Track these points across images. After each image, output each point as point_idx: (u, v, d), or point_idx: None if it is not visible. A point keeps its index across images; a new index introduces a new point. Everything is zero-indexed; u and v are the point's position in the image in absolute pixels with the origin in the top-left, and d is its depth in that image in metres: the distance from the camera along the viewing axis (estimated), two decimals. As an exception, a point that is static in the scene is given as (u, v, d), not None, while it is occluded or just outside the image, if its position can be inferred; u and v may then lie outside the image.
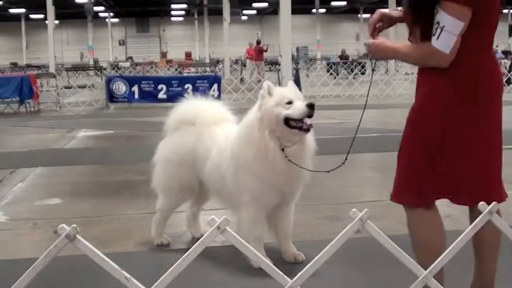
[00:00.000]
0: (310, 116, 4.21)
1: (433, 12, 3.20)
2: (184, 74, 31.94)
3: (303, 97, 4.42)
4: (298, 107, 4.22)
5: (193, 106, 5.12)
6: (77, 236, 2.24)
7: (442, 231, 3.48)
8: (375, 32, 3.63)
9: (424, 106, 3.37)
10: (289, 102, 4.25)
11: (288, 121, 4.24)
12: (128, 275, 2.30)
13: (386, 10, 3.76)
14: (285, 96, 4.29)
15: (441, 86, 3.29)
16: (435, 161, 3.33)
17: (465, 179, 3.33)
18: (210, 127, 4.92)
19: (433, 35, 3.20)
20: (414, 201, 3.40)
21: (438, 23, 3.18)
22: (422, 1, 3.26)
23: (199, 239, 2.39)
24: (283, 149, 4.26)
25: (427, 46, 3.25)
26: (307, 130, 4.24)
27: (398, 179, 3.49)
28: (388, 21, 3.69)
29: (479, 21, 3.21)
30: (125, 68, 40.50)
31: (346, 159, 4.02)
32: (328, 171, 4.31)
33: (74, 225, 2.24)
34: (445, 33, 3.16)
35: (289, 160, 4.25)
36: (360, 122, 3.88)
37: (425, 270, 2.54)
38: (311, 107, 4.22)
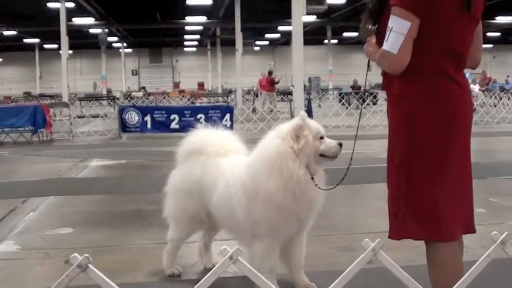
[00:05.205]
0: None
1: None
2: (197, 104, 32.16)
3: None
4: (332, 145, 4.44)
5: (202, 136, 5.11)
6: (89, 265, 2.23)
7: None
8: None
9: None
10: (322, 137, 4.41)
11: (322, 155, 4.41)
12: (139, 306, 2.29)
13: None
14: (319, 131, 4.44)
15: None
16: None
17: None
18: (217, 158, 4.89)
19: (385, 40, 3.29)
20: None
21: (388, 26, 3.27)
22: (380, 10, 3.41)
23: (211, 269, 2.37)
24: (312, 178, 4.32)
25: (380, 50, 3.35)
26: (335, 158, 4.45)
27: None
28: None
29: (425, 42, 3.28)
30: (137, 97, 40.79)
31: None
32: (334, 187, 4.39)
33: (87, 255, 2.24)
34: (392, 33, 3.24)
35: (318, 187, 4.32)
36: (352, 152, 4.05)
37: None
38: (341, 146, 4.47)
